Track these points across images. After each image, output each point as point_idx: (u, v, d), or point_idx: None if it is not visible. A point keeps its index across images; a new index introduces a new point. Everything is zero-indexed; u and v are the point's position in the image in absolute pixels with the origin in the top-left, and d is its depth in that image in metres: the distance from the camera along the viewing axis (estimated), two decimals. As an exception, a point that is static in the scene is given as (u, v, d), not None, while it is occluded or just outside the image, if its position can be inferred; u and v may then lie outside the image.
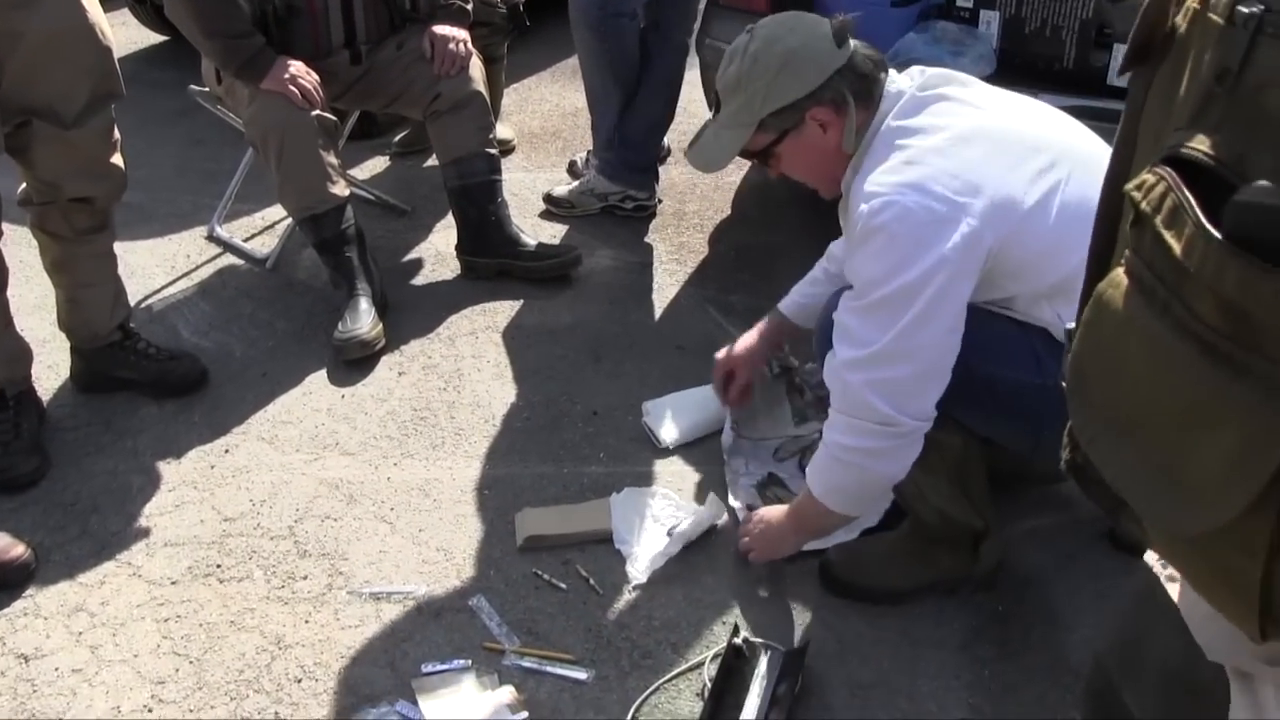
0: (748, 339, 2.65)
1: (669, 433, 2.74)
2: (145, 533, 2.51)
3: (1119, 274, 0.69)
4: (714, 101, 2.19)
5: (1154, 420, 0.66)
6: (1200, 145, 0.63)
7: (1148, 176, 0.66)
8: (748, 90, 2.07)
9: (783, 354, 2.77)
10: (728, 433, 2.69)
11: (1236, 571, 0.64)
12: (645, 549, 2.40)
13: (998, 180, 1.90)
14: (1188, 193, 0.62)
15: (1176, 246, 0.63)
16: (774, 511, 2.31)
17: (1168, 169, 0.64)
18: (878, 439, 1.95)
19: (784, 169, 2.20)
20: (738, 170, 4.05)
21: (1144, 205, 0.66)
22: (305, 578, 2.38)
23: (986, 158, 1.93)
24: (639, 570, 2.36)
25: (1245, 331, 0.59)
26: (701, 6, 3.62)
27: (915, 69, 2.13)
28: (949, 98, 2.04)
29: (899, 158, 1.95)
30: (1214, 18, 0.65)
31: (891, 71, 2.11)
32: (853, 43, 2.08)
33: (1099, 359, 0.72)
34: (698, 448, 2.73)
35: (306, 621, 2.28)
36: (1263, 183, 0.58)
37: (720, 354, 2.68)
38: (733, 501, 2.54)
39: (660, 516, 2.48)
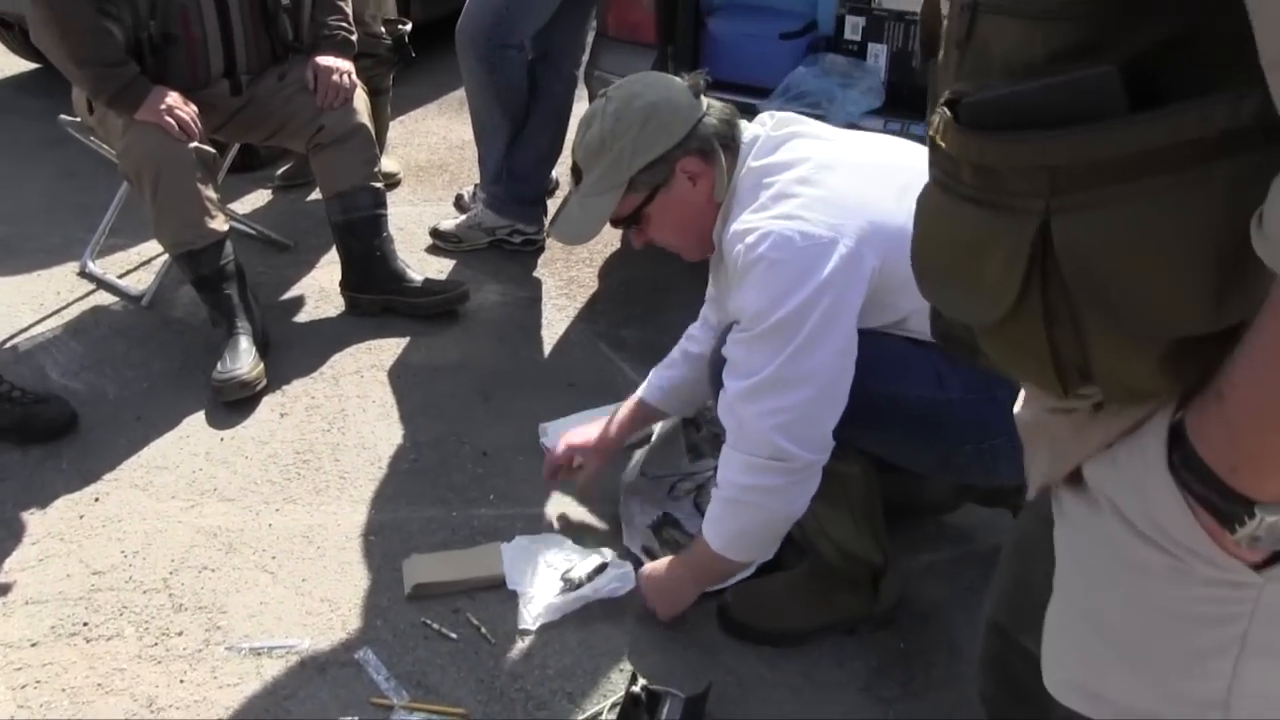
0: (599, 428, 2.54)
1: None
2: (3, 590, 2.36)
3: (930, 183, 0.98)
4: (573, 173, 2.15)
5: (959, 262, 0.95)
6: (958, 88, 0.91)
7: (934, 117, 0.95)
8: (613, 149, 2.04)
9: None
10: (631, 469, 2.64)
11: (1031, 344, 0.90)
12: (540, 593, 2.33)
13: (867, 201, 1.91)
14: (950, 112, 0.91)
15: (946, 145, 0.92)
16: (663, 565, 2.26)
17: (942, 107, 0.93)
18: (774, 476, 1.92)
19: (653, 233, 2.16)
20: (628, 203, 4.00)
21: (932, 132, 0.95)
22: (180, 634, 2.26)
23: (851, 181, 1.94)
24: (531, 616, 2.29)
25: (992, 182, 0.88)
26: (590, 39, 3.59)
27: (764, 114, 2.14)
28: (801, 134, 2.06)
29: (767, 195, 1.95)
30: (955, 5, 0.94)
31: (741, 120, 2.12)
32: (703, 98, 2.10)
33: (925, 241, 1.01)
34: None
35: (181, 681, 2.15)
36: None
37: (564, 440, 2.56)
38: (628, 544, 2.48)
39: (554, 562, 2.41)
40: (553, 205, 3.87)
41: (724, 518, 2.04)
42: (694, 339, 2.50)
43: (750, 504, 1.97)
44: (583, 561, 2.38)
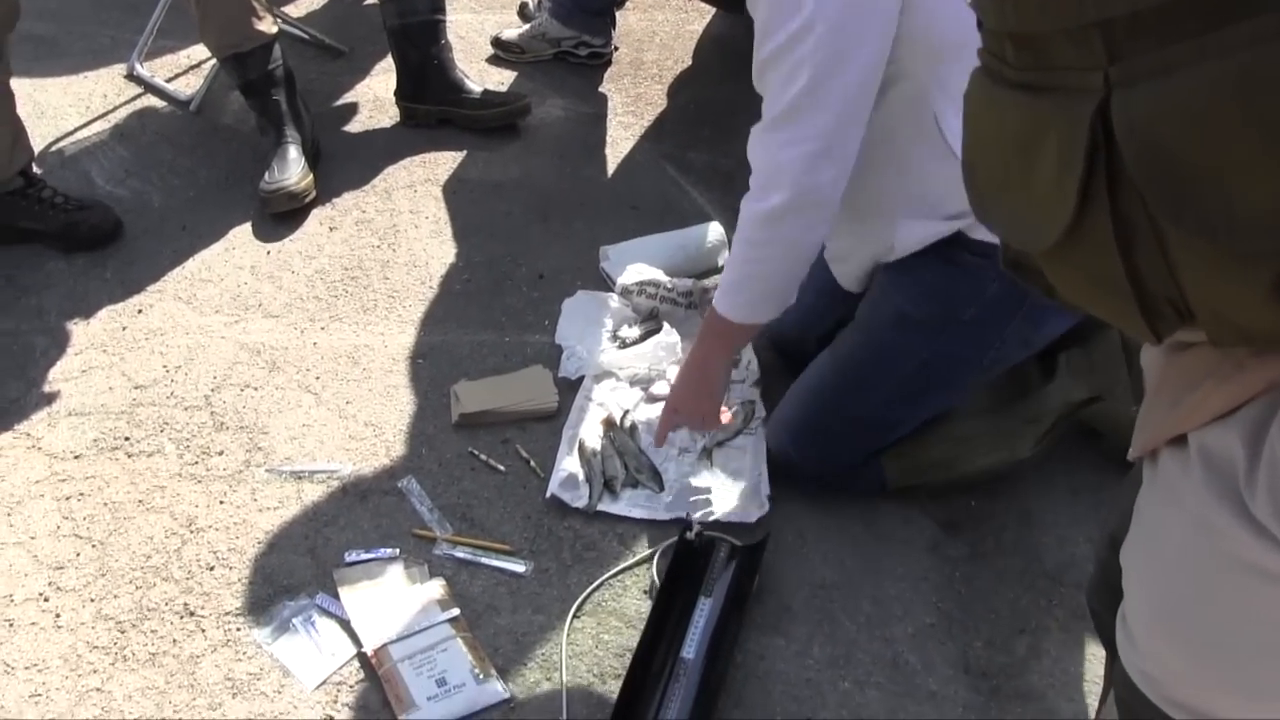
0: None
1: (631, 280, 2.53)
2: (48, 400, 2.30)
3: (976, 71, 0.82)
4: None
5: (1010, 166, 0.77)
6: None
7: None
8: None
9: None
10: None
11: (1104, 271, 0.72)
12: (585, 349, 2.33)
13: None
14: None
15: (981, 14, 0.77)
16: (676, 378, 2.04)
17: None
18: (792, 194, 1.73)
19: None
20: (700, 18, 3.78)
21: (975, 8, 0.80)
22: (221, 453, 2.19)
23: None
24: (572, 368, 2.31)
25: (1039, 56, 0.71)
26: None
27: None
28: None
29: None
30: None
31: None
32: None
33: (974, 146, 0.84)
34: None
35: (221, 502, 2.10)
36: None
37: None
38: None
39: (607, 321, 2.40)
40: (620, 17, 3.66)
41: (734, 263, 1.84)
42: None
43: (768, 227, 1.78)
44: (640, 323, 2.36)
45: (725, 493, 2.09)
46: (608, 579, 1.96)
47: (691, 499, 2.08)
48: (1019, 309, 1.85)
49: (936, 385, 1.97)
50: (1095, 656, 1.82)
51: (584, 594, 1.93)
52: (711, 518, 2.04)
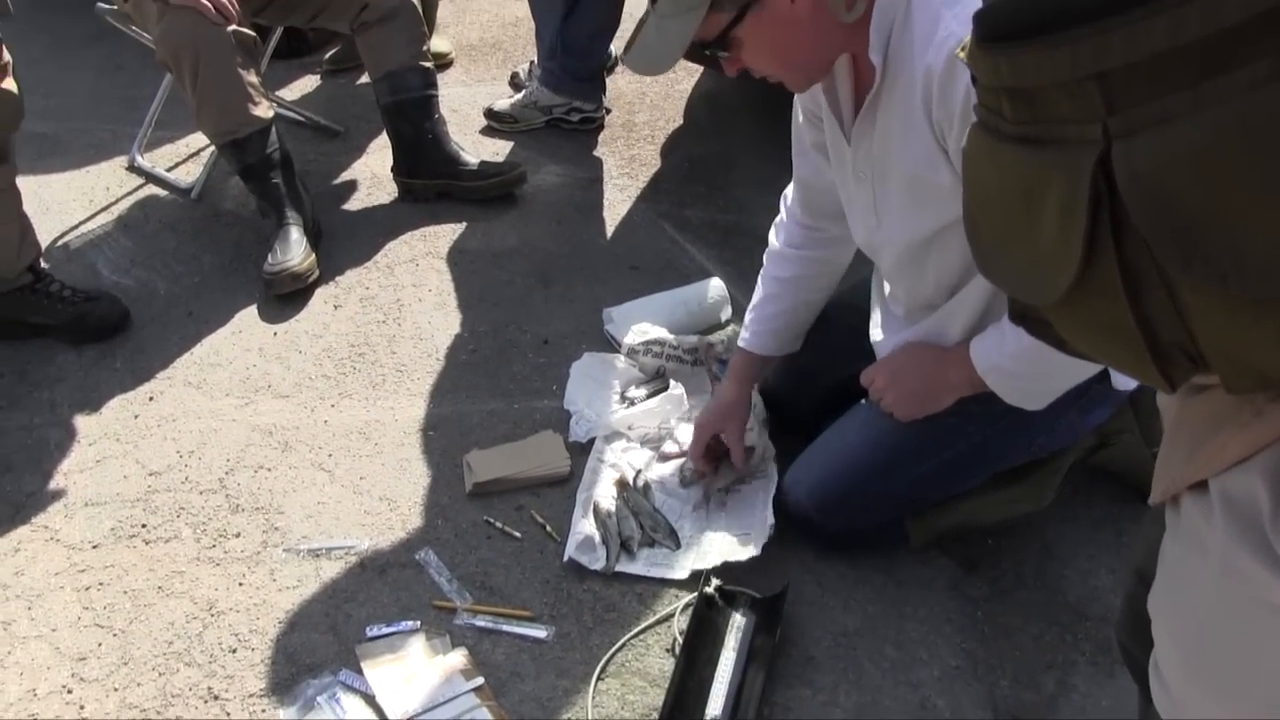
0: (726, 394, 2.21)
1: (636, 340, 2.51)
2: (63, 492, 2.32)
3: (974, 126, 0.81)
4: None
5: (1011, 221, 0.77)
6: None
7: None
8: None
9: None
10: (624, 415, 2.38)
11: (1114, 320, 0.71)
12: (593, 411, 2.34)
13: None
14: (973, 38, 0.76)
15: (976, 72, 0.76)
16: (916, 356, 1.93)
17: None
18: None
19: (748, 60, 1.68)
20: (688, 77, 3.83)
21: (962, 55, 0.83)
22: (238, 535, 2.20)
23: None
24: (582, 431, 2.32)
25: (1036, 110, 0.71)
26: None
27: None
28: None
29: None
30: None
31: None
32: None
33: (973, 201, 0.83)
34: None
35: (240, 584, 2.10)
36: None
37: (699, 419, 2.23)
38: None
39: (614, 382, 2.41)
40: (610, 81, 3.71)
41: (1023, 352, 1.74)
42: (783, 259, 2.17)
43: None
44: (647, 383, 2.39)
45: (737, 538, 2.10)
46: (630, 639, 1.95)
47: (707, 552, 2.08)
48: (1077, 402, 1.86)
49: (982, 466, 1.99)
50: (1126, 690, 1.82)
51: (607, 656, 1.92)
52: (723, 561, 2.03)
